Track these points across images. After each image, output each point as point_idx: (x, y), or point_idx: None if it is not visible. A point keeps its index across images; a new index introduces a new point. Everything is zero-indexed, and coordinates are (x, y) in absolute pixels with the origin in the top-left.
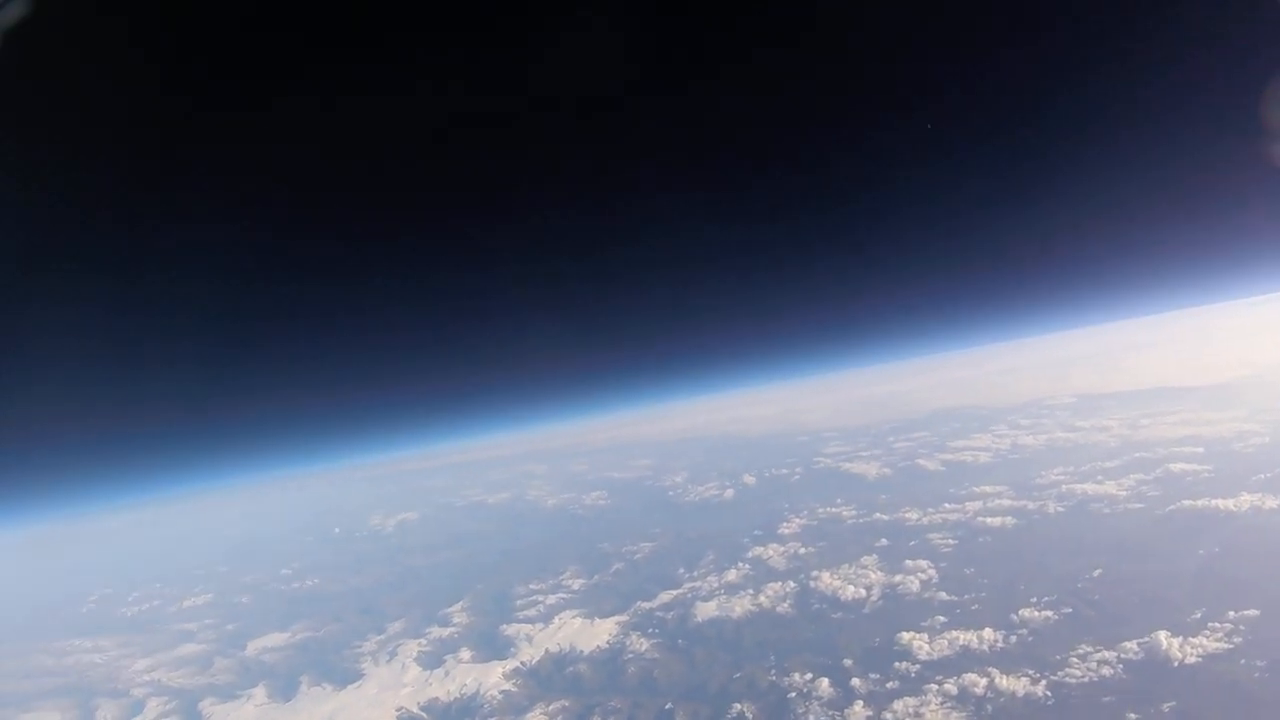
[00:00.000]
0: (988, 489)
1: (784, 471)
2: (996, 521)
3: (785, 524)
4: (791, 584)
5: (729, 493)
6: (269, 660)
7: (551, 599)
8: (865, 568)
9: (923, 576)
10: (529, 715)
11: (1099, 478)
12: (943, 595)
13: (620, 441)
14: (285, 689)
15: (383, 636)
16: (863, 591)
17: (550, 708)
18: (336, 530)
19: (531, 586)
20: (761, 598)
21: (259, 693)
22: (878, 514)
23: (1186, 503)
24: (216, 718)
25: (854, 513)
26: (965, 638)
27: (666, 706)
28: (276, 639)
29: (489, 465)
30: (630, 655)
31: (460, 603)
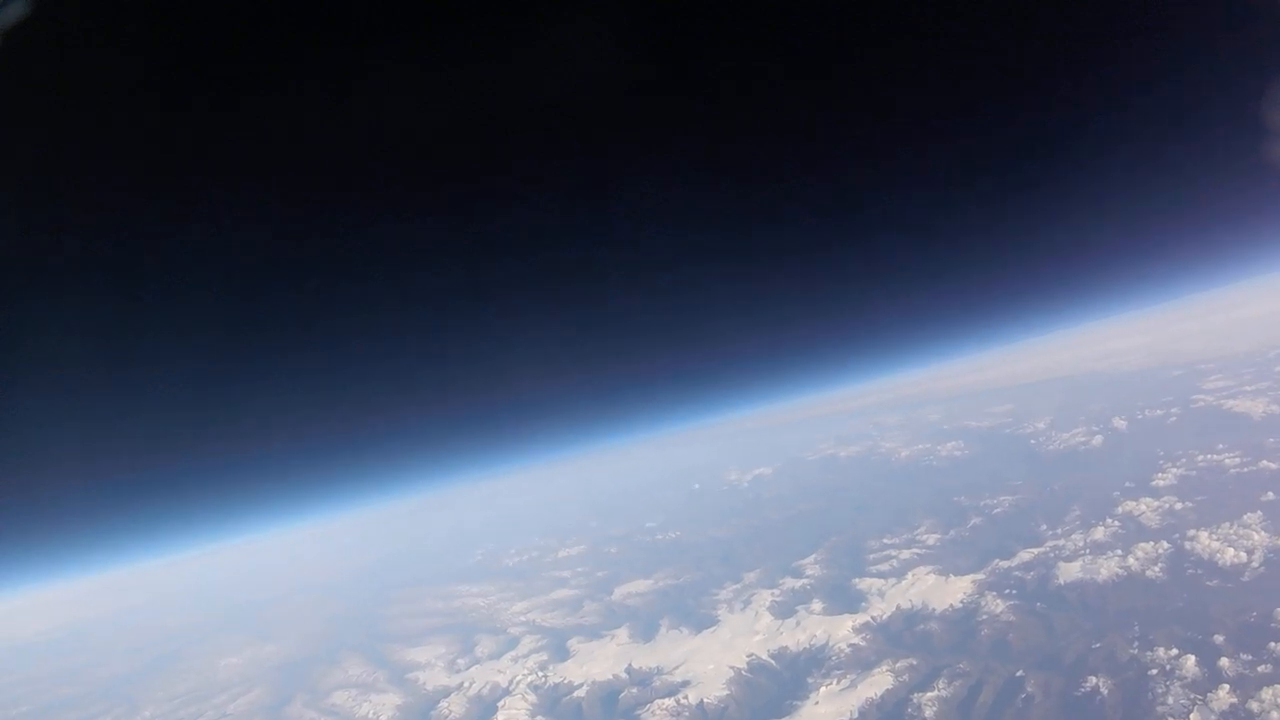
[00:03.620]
0: None
1: (1159, 413)
2: None
3: (1160, 474)
4: (1164, 544)
5: (1097, 439)
6: (633, 604)
7: (905, 554)
8: (1248, 526)
9: None
10: (875, 671)
11: None
12: None
13: (976, 387)
14: (646, 631)
15: (738, 585)
16: (1244, 555)
17: (897, 665)
18: (696, 486)
19: (885, 540)
20: (1130, 559)
21: (622, 633)
22: (1264, 461)
23: None
24: (582, 653)
25: (1238, 460)
26: None
27: (1018, 674)
28: (641, 585)
29: (840, 418)
30: (984, 616)
31: (814, 555)
